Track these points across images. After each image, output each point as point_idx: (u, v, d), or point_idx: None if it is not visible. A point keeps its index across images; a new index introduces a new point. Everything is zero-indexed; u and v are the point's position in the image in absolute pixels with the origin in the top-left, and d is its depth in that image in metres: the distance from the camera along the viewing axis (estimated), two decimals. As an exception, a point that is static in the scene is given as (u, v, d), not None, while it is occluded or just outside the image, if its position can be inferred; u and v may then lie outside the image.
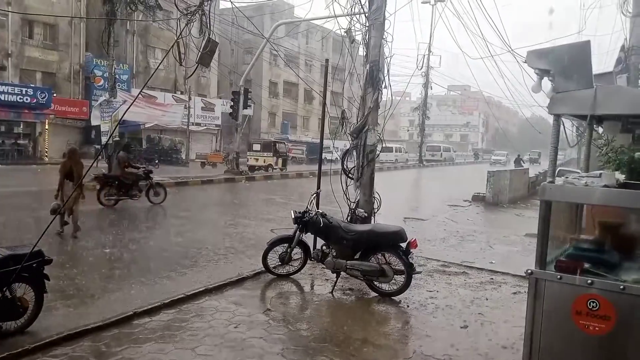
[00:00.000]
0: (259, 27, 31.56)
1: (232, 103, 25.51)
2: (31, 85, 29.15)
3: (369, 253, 6.69)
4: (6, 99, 26.89)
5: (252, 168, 29.07)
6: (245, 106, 25.59)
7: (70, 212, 9.38)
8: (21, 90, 27.63)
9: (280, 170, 29.55)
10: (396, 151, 49.50)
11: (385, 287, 6.62)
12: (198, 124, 38.86)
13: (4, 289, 4.84)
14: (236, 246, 9.53)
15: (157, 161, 29.42)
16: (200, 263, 8.14)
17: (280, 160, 30.24)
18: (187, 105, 34.96)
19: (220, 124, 41.06)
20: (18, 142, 29.13)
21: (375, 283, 6.65)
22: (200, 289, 6.33)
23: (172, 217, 12.72)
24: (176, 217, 12.70)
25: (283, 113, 51.65)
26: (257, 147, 30.60)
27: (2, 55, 29.08)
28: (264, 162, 29.68)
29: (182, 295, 6.05)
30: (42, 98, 28.14)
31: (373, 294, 6.68)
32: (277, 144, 31.06)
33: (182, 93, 37.58)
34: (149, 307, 5.62)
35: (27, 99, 27.61)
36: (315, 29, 48.29)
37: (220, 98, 41.71)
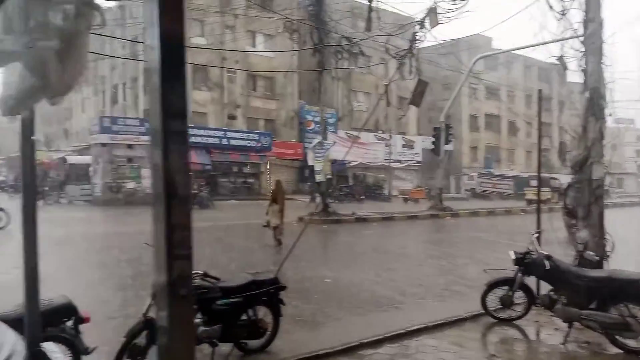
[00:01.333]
0: (456, 62, 31.46)
1: (432, 139, 25.63)
2: (256, 131, 33.70)
3: (608, 303, 5.92)
4: (237, 144, 31.64)
5: (529, 202, 31.47)
6: (447, 142, 25.46)
7: (275, 228, 12.72)
8: (248, 136, 32.29)
9: (554, 204, 30.52)
10: None
11: (631, 343, 5.76)
12: (399, 161, 39.93)
13: (250, 311, 5.48)
14: (447, 285, 9.37)
15: (362, 197, 31.04)
16: (413, 299, 8.21)
17: (555, 195, 32.47)
18: (389, 143, 36.28)
19: (420, 160, 41.45)
20: (246, 180, 33.79)
21: (618, 338, 5.84)
22: (420, 326, 6.36)
23: (382, 252, 13.13)
24: (387, 252, 13.08)
25: (485, 146, 49.79)
26: (534, 183, 32.12)
27: (233, 107, 34.32)
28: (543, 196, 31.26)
29: (403, 331, 6.17)
30: (265, 142, 32.36)
31: (614, 349, 5.86)
32: (551, 180, 33.90)
33: (383, 132, 39.12)
34: (373, 339, 5.86)
35: (253, 143, 32.10)
36: (517, 59, 45.98)
37: (420, 135, 42.22)
